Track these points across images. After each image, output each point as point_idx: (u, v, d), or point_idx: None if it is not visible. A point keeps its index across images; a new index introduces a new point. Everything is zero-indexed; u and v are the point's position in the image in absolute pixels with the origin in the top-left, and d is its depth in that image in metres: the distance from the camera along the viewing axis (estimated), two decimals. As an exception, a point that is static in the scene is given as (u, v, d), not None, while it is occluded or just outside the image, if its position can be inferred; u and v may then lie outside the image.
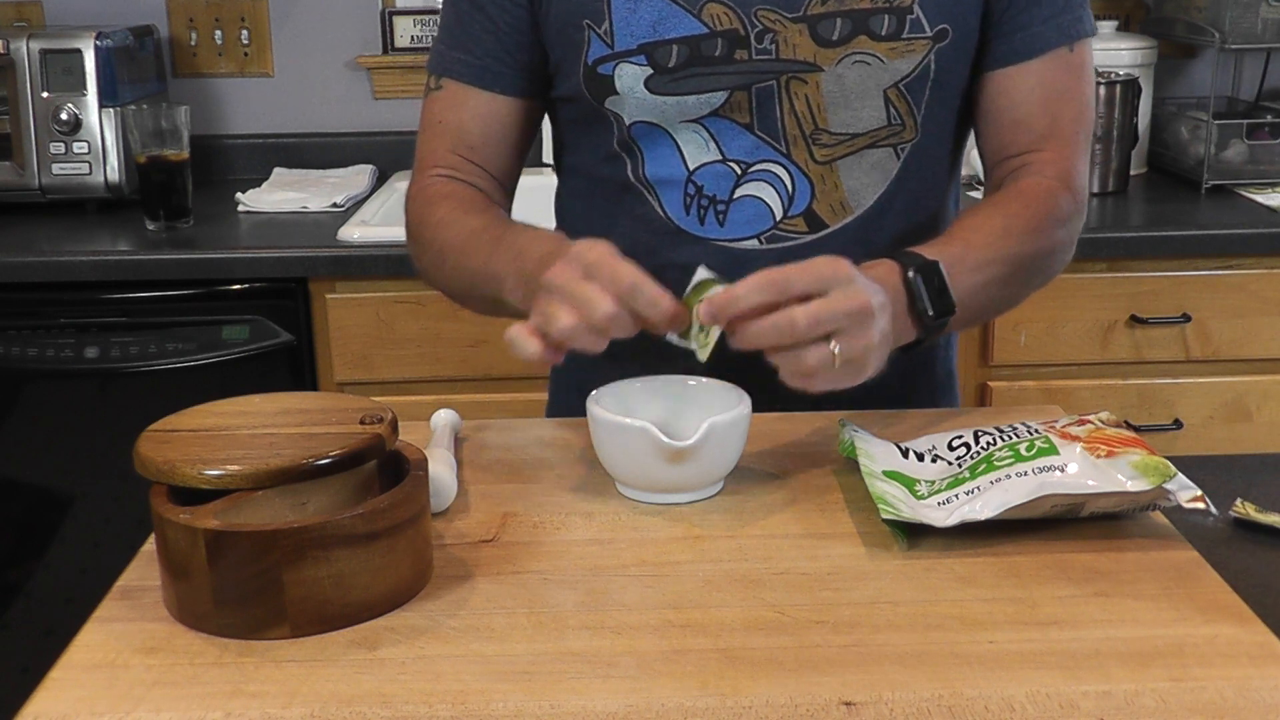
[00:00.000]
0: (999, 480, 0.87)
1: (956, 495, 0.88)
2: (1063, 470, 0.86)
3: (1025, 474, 0.87)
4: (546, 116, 1.27)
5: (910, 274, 0.99)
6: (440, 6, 1.24)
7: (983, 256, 1.07)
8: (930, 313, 0.99)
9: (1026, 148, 1.17)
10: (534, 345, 0.90)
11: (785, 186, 1.14)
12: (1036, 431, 0.92)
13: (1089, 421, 0.92)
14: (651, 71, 1.11)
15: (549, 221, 1.31)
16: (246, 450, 0.78)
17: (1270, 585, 0.87)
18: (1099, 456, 0.87)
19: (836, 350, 0.88)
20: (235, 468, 0.76)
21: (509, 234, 1.09)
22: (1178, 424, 2.10)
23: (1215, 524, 0.96)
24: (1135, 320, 2.06)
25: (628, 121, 1.15)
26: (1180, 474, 0.86)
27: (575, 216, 1.26)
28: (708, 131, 1.13)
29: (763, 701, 0.68)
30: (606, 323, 0.89)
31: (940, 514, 0.86)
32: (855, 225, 1.16)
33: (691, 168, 1.15)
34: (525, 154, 1.26)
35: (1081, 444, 0.88)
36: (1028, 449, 0.89)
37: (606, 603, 0.79)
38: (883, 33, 1.11)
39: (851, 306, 0.88)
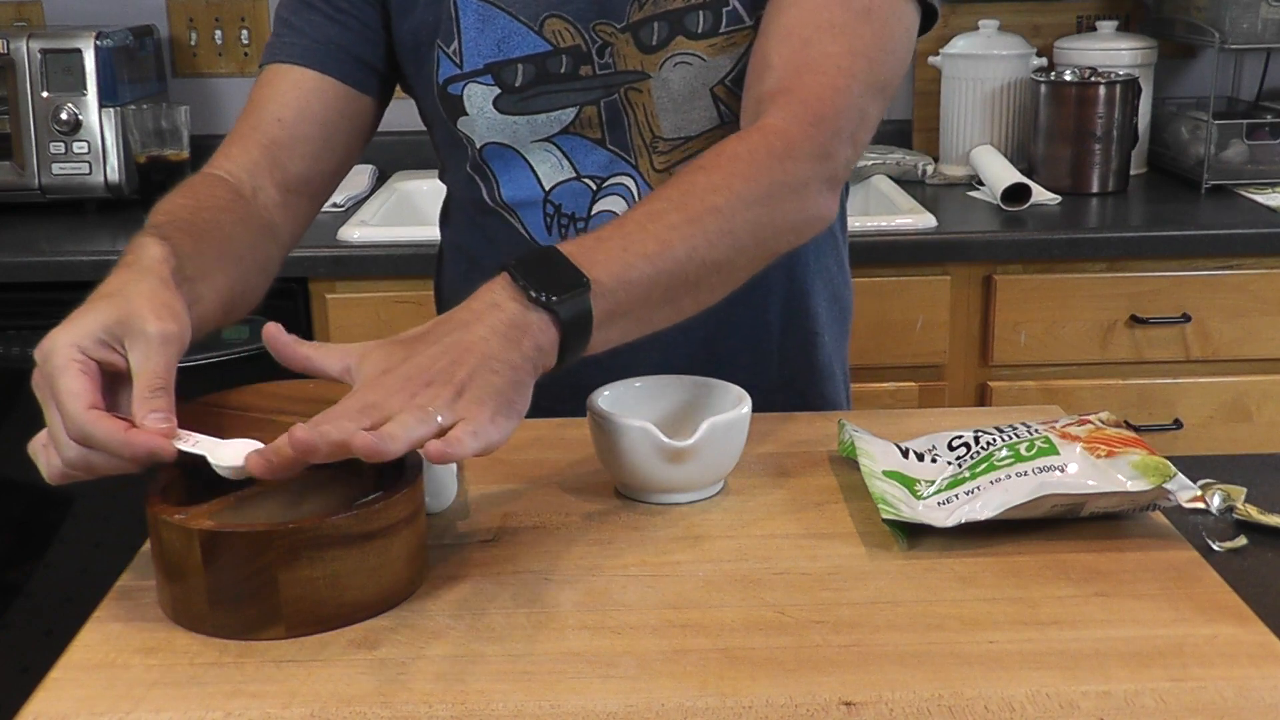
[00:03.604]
0: (999, 480, 0.87)
1: (956, 495, 0.88)
2: (1063, 470, 0.86)
3: (1025, 474, 0.87)
4: None
5: (511, 272, 0.83)
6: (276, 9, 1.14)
7: (639, 242, 0.88)
8: (544, 297, 0.81)
9: (767, 89, 1.00)
10: (53, 466, 0.79)
11: (633, 198, 1.13)
12: (1036, 431, 0.92)
13: (1089, 421, 0.92)
14: (499, 91, 1.10)
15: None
16: (234, 433, 0.80)
17: (1270, 585, 0.87)
18: (1099, 456, 0.87)
19: (430, 407, 0.75)
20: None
21: (129, 261, 0.89)
22: (1178, 424, 2.10)
23: (1216, 524, 0.96)
24: (1135, 320, 2.06)
25: (479, 144, 1.13)
26: (1180, 474, 0.86)
27: (458, 238, 1.24)
28: (560, 150, 1.12)
29: (763, 701, 0.68)
30: (75, 468, 0.77)
31: (940, 514, 0.86)
32: None
33: (547, 187, 1.13)
34: (344, 154, 1.11)
35: (1081, 444, 0.88)
36: (1028, 449, 0.89)
37: (606, 603, 0.79)
38: (699, 30, 1.08)
39: (425, 372, 0.76)
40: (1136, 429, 2.09)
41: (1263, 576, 0.88)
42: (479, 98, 1.11)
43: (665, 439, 0.89)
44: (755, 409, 0.96)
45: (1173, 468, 0.86)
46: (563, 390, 1.24)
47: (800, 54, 0.99)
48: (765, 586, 0.81)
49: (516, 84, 1.10)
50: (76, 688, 0.71)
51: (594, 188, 1.13)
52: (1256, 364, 2.11)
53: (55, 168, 2.23)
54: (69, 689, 0.71)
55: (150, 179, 2.14)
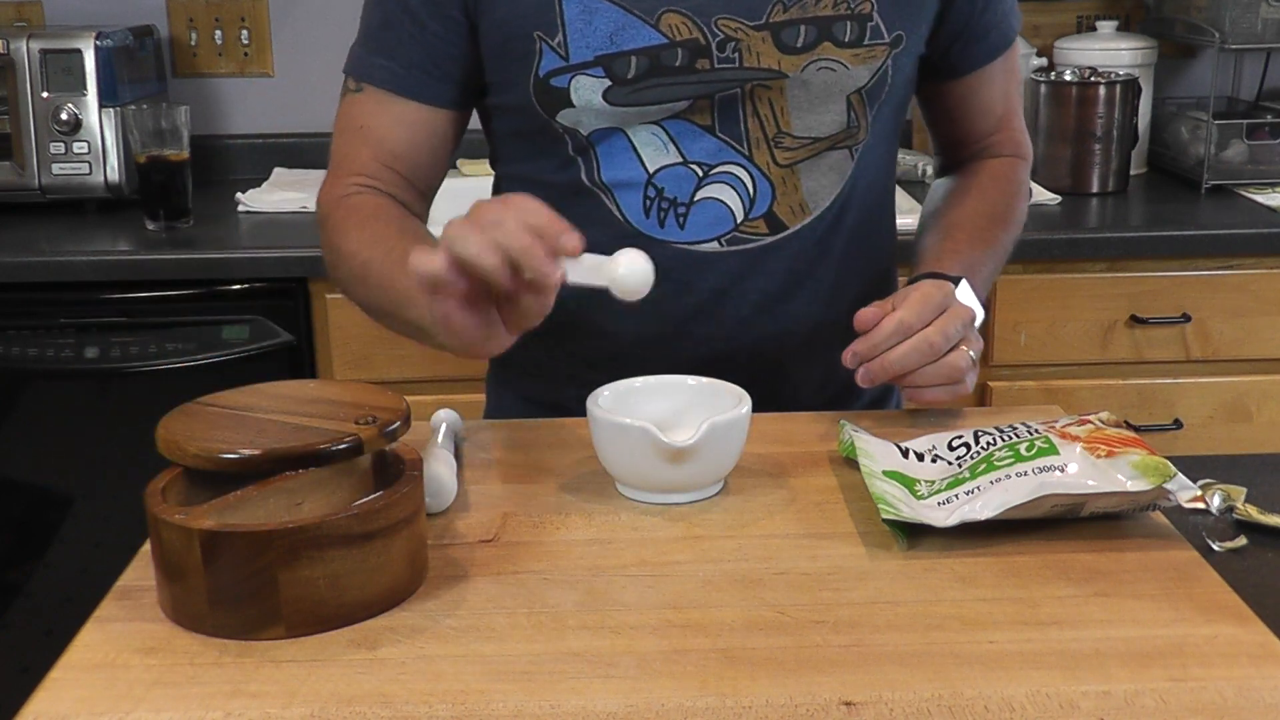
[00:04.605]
0: (999, 480, 0.87)
1: (956, 495, 0.88)
2: (1063, 470, 0.86)
3: (1025, 474, 0.87)
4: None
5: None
6: (364, 7, 1.20)
7: (983, 251, 1.18)
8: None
9: (988, 131, 1.29)
10: (436, 262, 0.82)
11: (746, 189, 1.14)
12: (1036, 431, 0.92)
13: (1089, 421, 0.92)
14: (610, 83, 1.10)
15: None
16: (234, 433, 0.80)
17: (1270, 585, 0.87)
18: (1099, 456, 0.87)
19: (971, 353, 1.02)
20: (215, 445, 0.78)
21: None
22: (1178, 424, 2.10)
23: (1216, 524, 0.96)
24: (1135, 320, 2.06)
25: (584, 132, 1.13)
26: (1180, 474, 0.86)
27: None
28: (666, 133, 1.12)
29: (763, 701, 0.68)
30: (518, 249, 0.82)
31: (940, 514, 0.86)
32: (813, 225, 1.17)
33: (651, 170, 1.13)
34: (448, 164, 1.22)
35: (1081, 444, 0.88)
36: (1028, 449, 0.89)
37: (606, 603, 0.79)
38: (846, 39, 1.11)
39: (965, 316, 1.03)
40: (1136, 429, 2.09)
41: (1263, 576, 0.88)
42: (587, 90, 1.10)
43: (665, 439, 0.89)
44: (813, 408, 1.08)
45: (1172, 468, 0.86)
46: (563, 390, 1.24)
47: (1004, 109, 1.29)
48: (765, 586, 0.81)
49: (629, 76, 1.10)
50: (76, 688, 0.71)
51: (700, 174, 1.13)
52: (1256, 364, 2.11)
53: (55, 168, 2.23)
54: (69, 689, 0.71)
55: (150, 179, 2.14)
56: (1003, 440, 0.92)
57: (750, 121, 1.12)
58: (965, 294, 1.07)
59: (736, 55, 1.10)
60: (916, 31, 1.16)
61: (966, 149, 1.31)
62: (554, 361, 1.24)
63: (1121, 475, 0.85)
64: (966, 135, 1.30)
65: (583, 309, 1.19)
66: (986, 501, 0.86)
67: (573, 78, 1.10)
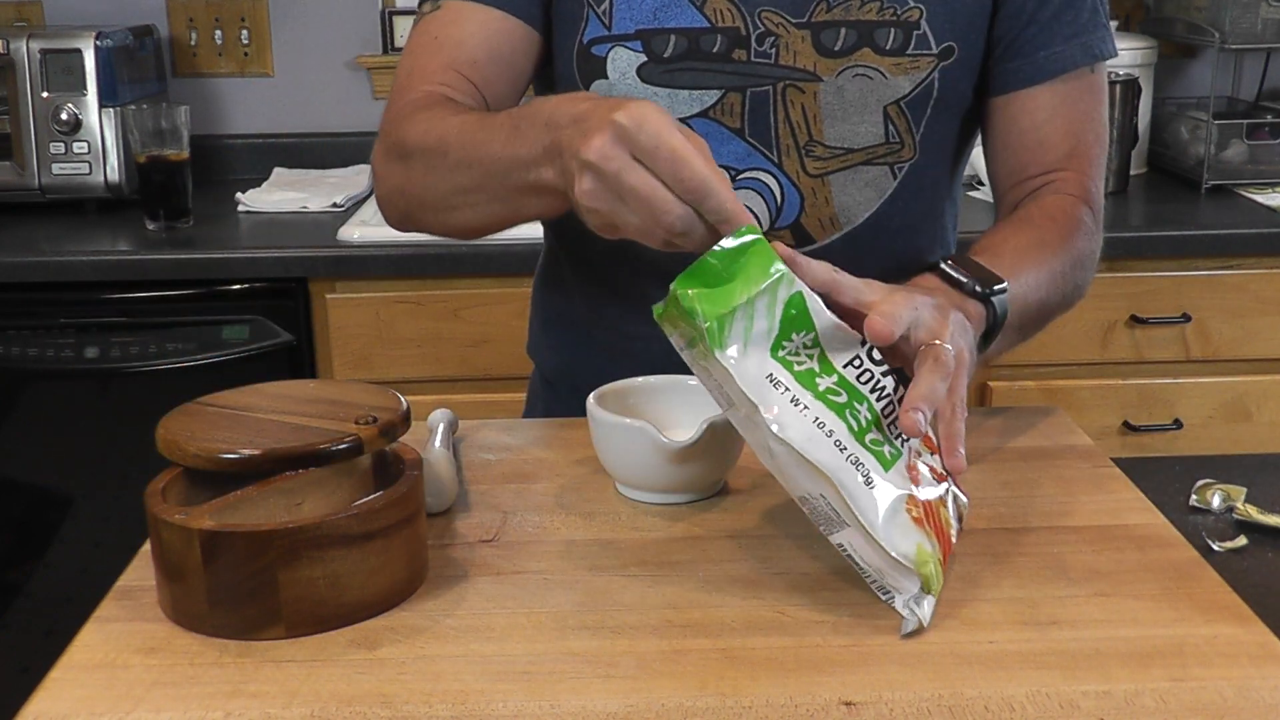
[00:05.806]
0: (820, 421, 0.76)
1: (778, 381, 0.76)
2: (868, 481, 0.76)
3: (844, 448, 0.76)
4: None
5: (943, 266, 0.96)
6: None
7: (1017, 266, 1.01)
8: (979, 288, 0.94)
9: (1047, 168, 1.14)
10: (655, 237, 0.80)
11: (774, 197, 1.12)
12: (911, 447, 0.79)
13: (950, 483, 0.81)
14: (645, 59, 1.09)
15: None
16: (234, 433, 0.80)
17: (1270, 585, 0.87)
18: (911, 510, 0.76)
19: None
20: (215, 445, 0.78)
21: (529, 109, 0.92)
22: (1178, 424, 2.10)
23: (1216, 524, 0.96)
24: (1135, 320, 2.06)
25: None
26: (929, 599, 0.76)
27: (559, 220, 1.19)
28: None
29: (763, 701, 0.68)
30: (676, 230, 0.79)
31: (735, 357, 0.75)
32: (843, 242, 1.13)
33: None
34: (523, 87, 1.14)
35: (912, 485, 0.77)
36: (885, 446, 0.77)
37: (606, 603, 0.79)
38: (887, 47, 1.08)
39: (966, 377, 0.84)
40: (1136, 429, 2.10)
41: (1263, 576, 0.88)
42: (623, 62, 1.09)
43: (665, 439, 0.89)
44: None
45: (935, 586, 0.76)
46: (563, 390, 1.24)
47: (1066, 144, 1.14)
48: (765, 586, 0.81)
49: (665, 54, 1.09)
50: (76, 688, 0.71)
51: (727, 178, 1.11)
52: (1256, 364, 2.11)
53: (55, 168, 2.23)
54: (69, 689, 0.71)
55: (150, 179, 2.14)
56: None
57: (781, 127, 1.10)
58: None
59: (773, 51, 1.08)
60: (971, 43, 1.11)
61: (1022, 187, 1.16)
62: (586, 343, 1.23)
63: (899, 540, 0.75)
64: (1019, 167, 1.16)
65: (608, 308, 1.19)
66: (791, 421, 0.75)
67: (611, 48, 1.09)
